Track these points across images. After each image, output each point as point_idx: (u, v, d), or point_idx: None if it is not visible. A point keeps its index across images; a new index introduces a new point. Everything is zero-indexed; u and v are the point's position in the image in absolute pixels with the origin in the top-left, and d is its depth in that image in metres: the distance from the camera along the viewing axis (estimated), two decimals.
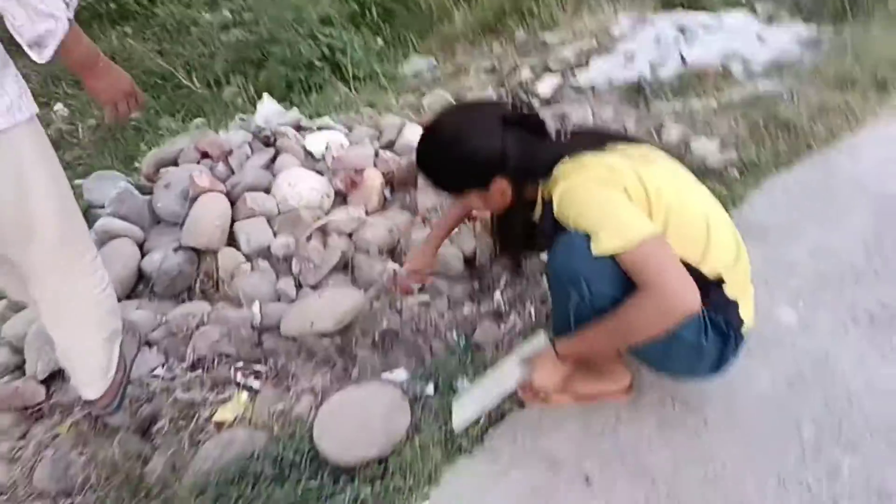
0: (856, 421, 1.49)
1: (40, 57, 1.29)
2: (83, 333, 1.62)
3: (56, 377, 2.06)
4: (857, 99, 2.56)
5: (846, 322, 1.72)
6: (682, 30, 3.82)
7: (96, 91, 1.47)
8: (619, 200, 1.24)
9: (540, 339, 1.48)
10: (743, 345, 1.42)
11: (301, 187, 2.43)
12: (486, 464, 1.49)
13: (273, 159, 2.63)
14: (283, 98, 4.26)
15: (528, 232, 1.45)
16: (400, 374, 1.79)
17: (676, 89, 3.04)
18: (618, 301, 1.24)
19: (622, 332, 1.26)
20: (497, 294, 2.17)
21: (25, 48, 1.28)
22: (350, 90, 4.31)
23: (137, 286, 2.27)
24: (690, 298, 1.18)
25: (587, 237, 1.23)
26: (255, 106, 4.02)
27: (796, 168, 2.28)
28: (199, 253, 2.27)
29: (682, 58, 3.46)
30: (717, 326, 1.35)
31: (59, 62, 1.35)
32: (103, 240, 2.31)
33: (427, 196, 2.49)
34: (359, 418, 1.59)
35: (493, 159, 1.32)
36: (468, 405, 1.51)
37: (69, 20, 1.30)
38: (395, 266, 2.27)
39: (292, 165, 2.55)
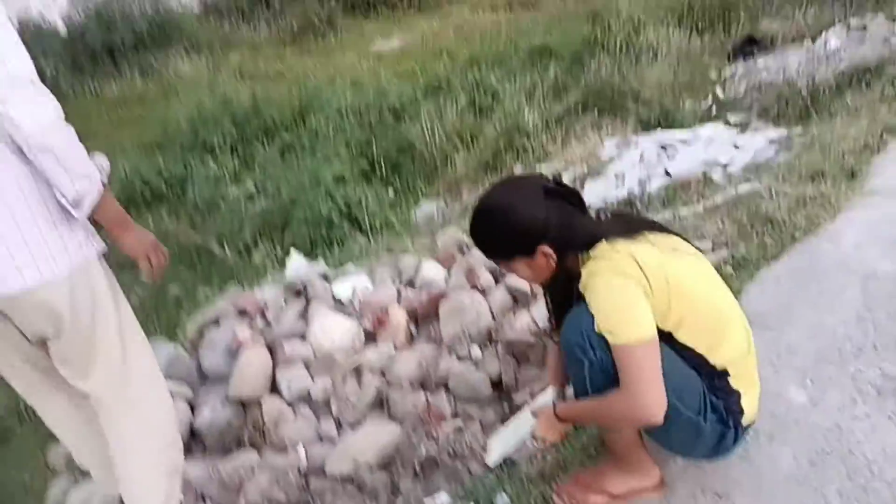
0: (879, 488, 1.56)
1: (79, 213, 1.56)
2: (144, 464, 1.76)
3: None
4: (830, 189, 2.77)
5: (854, 395, 1.82)
6: (663, 147, 4.17)
7: (128, 245, 1.70)
8: (633, 299, 1.39)
9: (548, 396, 1.64)
10: (744, 437, 1.53)
11: (333, 331, 2.64)
12: None
13: (305, 308, 2.86)
14: (309, 254, 4.58)
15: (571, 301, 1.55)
16: (441, 498, 1.89)
17: (664, 200, 3.29)
18: None
19: (600, 416, 1.50)
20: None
21: (69, 207, 1.55)
22: (368, 240, 4.64)
23: (191, 443, 2.42)
24: (653, 411, 1.35)
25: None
26: (282, 265, 4.34)
27: (784, 258, 2.45)
28: (244, 405, 2.45)
29: (667, 172, 3.76)
30: (717, 411, 1.47)
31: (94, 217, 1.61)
32: None
33: (449, 325, 2.67)
34: None
35: (537, 226, 1.47)
36: (497, 446, 1.74)
37: (102, 183, 1.58)
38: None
39: (323, 312, 2.78)
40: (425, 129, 5.69)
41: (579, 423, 1.63)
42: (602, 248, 1.47)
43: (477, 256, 3.03)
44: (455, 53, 7.73)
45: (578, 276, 1.51)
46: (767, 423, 1.79)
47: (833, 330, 2.06)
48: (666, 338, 1.45)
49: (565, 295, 1.59)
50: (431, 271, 3.09)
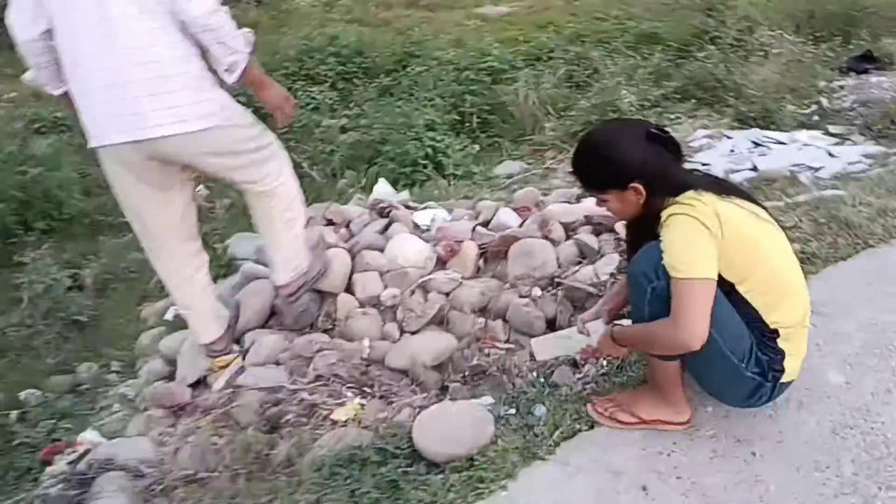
0: (892, 463, 1.67)
1: (231, 78, 2.01)
2: (295, 234, 2.42)
3: (199, 384, 2.49)
4: None
5: (889, 385, 1.92)
6: (755, 143, 4.18)
7: (267, 99, 2.20)
8: (700, 242, 1.54)
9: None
10: (779, 392, 1.67)
11: (409, 250, 2.86)
12: (556, 468, 1.76)
13: (386, 227, 3.10)
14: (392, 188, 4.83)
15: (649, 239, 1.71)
16: (486, 400, 2.10)
17: (746, 190, 3.35)
18: None
19: (648, 340, 1.67)
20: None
21: (221, 72, 2.01)
22: (448, 185, 4.85)
23: (270, 318, 2.71)
24: (692, 341, 1.51)
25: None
26: (365, 194, 4.60)
27: (852, 260, 2.52)
28: (322, 296, 2.71)
29: (754, 167, 3.79)
30: (759, 364, 1.62)
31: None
32: (247, 279, 2.80)
33: (516, 265, 2.86)
34: (451, 424, 1.90)
35: (633, 164, 1.64)
36: (544, 347, 2.18)
37: (249, 53, 1.99)
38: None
39: (402, 232, 3.01)
40: (519, 92, 5.80)
41: (631, 345, 1.82)
42: (689, 195, 1.62)
43: (552, 211, 3.18)
44: (561, 26, 7.73)
45: (659, 216, 1.68)
46: (800, 394, 1.91)
47: (884, 327, 2.14)
48: (727, 288, 1.60)
49: (646, 233, 1.75)
50: (507, 217, 3.27)
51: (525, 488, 1.71)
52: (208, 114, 1.99)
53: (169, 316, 3.01)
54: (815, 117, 4.46)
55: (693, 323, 1.52)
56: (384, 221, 3.14)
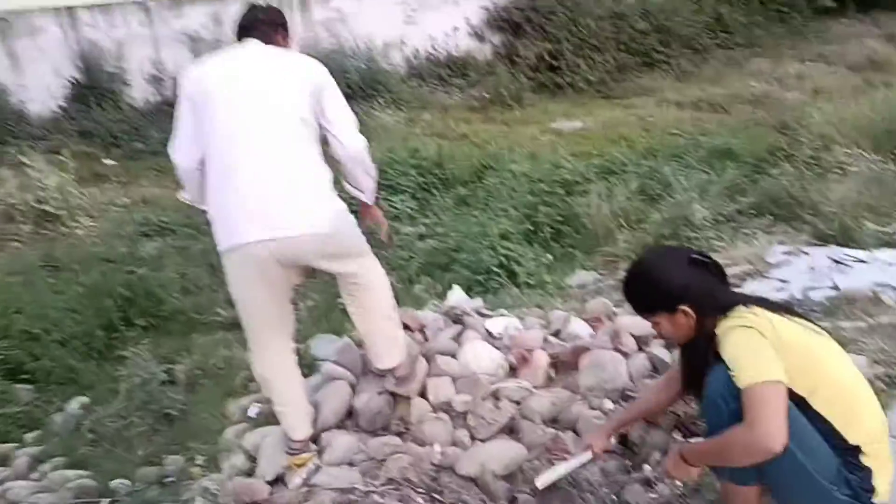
0: None
1: (369, 198, 2.72)
2: (391, 325, 2.74)
3: (277, 481, 2.59)
4: None
5: None
6: (835, 261, 4.12)
7: (375, 215, 2.86)
8: (760, 347, 1.58)
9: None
10: None
11: (481, 357, 2.96)
12: None
13: (460, 334, 3.22)
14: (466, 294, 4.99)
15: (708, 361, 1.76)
16: None
17: (827, 310, 3.30)
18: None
19: (722, 452, 1.61)
20: (647, 467, 2.43)
21: (357, 193, 2.64)
22: (521, 294, 4.96)
23: (347, 419, 2.82)
24: (772, 443, 1.48)
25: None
26: (439, 300, 4.77)
27: None
28: (396, 400, 2.81)
29: (835, 285, 3.73)
30: (850, 486, 1.58)
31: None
32: (326, 380, 2.95)
33: (588, 377, 2.89)
34: None
35: (678, 287, 1.74)
36: (548, 475, 2.24)
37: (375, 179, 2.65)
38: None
39: (475, 339, 3.11)
40: (592, 204, 5.97)
41: (702, 462, 1.79)
42: (740, 310, 1.68)
43: (624, 323, 3.23)
44: (633, 141, 7.98)
45: (715, 336, 1.73)
46: None
47: None
48: (801, 404, 1.61)
49: (701, 354, 1.80)
50: (578, 327, 3.33)
51: None
52: (334, 219, 2.33)
53: (252, 413, 3.17)
54: None
55: (769, 423, 1.49)
56: (458, 328, 3.26)
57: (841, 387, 1.64)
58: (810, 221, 4.72)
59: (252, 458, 2.74)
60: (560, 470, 2.28)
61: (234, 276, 2.38)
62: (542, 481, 2.27)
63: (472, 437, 2.69)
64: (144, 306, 4.61)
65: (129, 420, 3.39)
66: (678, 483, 2.14)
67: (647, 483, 2.29)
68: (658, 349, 2.99)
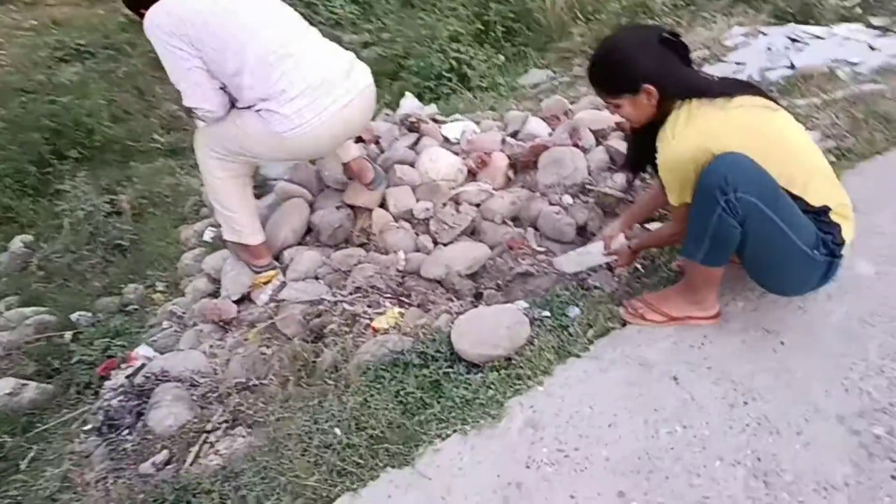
0: None
1: None
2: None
3: (243, 300, 2.60)
4: None
5: None
6: (793, 39, 4.01)
7: None
8: (688, 176, 1.64)
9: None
10: (841, 262, 1.70)
11: (440, 163, 2.88)
12: (590, 363, 1.83)
13: (416, 142, 3.11)
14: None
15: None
16: (521, 304, 2.17)
17: (782, 89, 3.26)
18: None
19: (661, 242, 2.03)
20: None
21: None
22: (474, 97, 4.78)
23: (307, 236, 2.78)
24: None
25: None
26: (392, 110, 4.57)
27: (890, 155, 2.47)
28: (356, 212, 2.77)
29: (791, 64, 3.66)
30: (826, 244, 1.64)
31: None
32: (281, 199, 2.86)
33: (547, 174, 2.86)
34: (488, 327, 1.97)
35: (645, 66, 1.67)
36: (569, 262, 2.30)
37: None
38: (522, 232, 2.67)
39: (432, 146, 3.01)
40: None
41: (646, 248, 2.09)
42: (693, 104, 1.65)
43: (582, 118, 3.15)
44: None
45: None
46: (830, 286, 1.93)
47: None
48: None
49: (654, 138, 1.77)
50: (536, 126, 3.24)
51: (560, 382, 1.79)
52: None
53: (207, 237, 3.11)
54: (858, 9, 4.24)
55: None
56: (413, 136, 3.14)
57: (800, 159, 1.66)
58: (770, 0, 4.52)
59: (215, 281, 2.73)
60: (583, 259, 2.31)
61: (304, 147, 2.38)
62: (569, 269, 2.32)
63: (435, 242, 2.70)
64: (74, 137, 4.33)
65: (79, 253, 3.31)
66: (637, 264, 2.22)
67: (609, 267, 2.36)
68: (617, 142, 2.94)
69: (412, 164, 2.94)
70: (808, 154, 1.69)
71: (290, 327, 2.36)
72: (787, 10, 4.36)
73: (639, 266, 2.26)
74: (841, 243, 1.65)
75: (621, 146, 2.92)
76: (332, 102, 2.29)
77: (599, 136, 3.05)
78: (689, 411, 1.64)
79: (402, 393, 1.85)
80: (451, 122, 3.40)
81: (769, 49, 4.01)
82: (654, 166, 1.95)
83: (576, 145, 2.99)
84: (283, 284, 2.56)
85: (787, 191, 1.61)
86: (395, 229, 2.70)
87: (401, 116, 3.32)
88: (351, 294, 2.40)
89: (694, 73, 1.74)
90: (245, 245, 2.59)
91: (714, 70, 4.01)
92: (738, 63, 3.97)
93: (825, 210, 1.64)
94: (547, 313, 2.05)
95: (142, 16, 2.25)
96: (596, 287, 2.18)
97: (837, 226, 1.65)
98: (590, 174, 2.85)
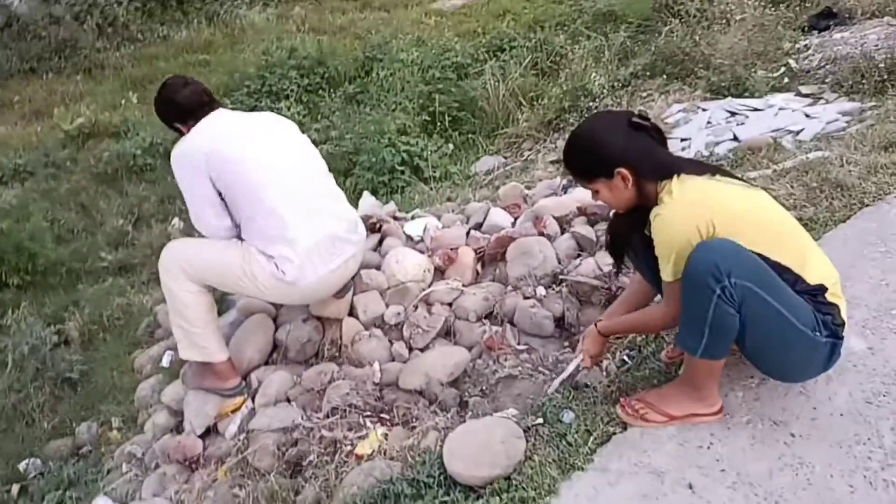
0: None
1: None
2: None
3: (210, 433, 2.40)
4: None
5: None
6: (732, 113, 4.17)
7: None
8: (684, 246, 1.58)
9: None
10: (843, 345, 1.65)
11: (406, 263, 2.79)
12: (597, 477, 1.71)
13: (380, 243, 3.03)
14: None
15: (638, 231, 1.75)
16: (511, 412, 2.04)
17: (732, 162, 3.34)
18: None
19: (638, 328, 1.96)
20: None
21: None
22: (430, 189, 4.78)
23: (272, 353, 2.63)
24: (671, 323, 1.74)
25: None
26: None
27: (852, 222, 2.51)
28: (324, 325, 2.63)
29: (735, 137, 3.78)
30: (826, 325, 1.60)
31: None
32: (244, 315, 2.71)
33: (516, 267, 2.80)
34: (481, 444, 1.83)
35: (615, 149, 1.66)
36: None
37: None
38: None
39: (397, 246, 2.94)
40: (488, 86, 5.75)
41: (617, 333, 2.03)
42: (674, 182, 1.63)
43: (544, 206, 3.14)
44: (518, 14, 7.71)
45: (655, 204, 1.66)
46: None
47: (895, 287, 2.12)
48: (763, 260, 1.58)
49: (638, 222, 1.75)
50: (499, 217, 3.22)
51: (569, 502, 1.65)
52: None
53: (165, 362, 2.91)
54: (786, 79, 4.48)
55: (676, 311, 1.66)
56: (376, 237, 3.06)
57: (789, 235, 1.66)
58: (703, 76, 4.74)
59: (177, 413, 2.53)
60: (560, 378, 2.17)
61: (305, 295, 2.46)
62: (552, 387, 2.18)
63: (410, 349, 2.58)
64: (15, 263, 4.08)
65: (25, 392, 3.04)
66: (625, 356, 2.14)
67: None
68: (582, 227, 2.93)
69: (378, 268, 2.85)
70: (798, 229, 1.69)
71: (264, 461, 2.17)
72: (721, 85, 4.57)
73: (626, 359, 2.18)
74: (841, 324, 1.61)
75: (587, 231, 2.90)
76: (339, 255, 2.40)
77: (563, 222, 3.03)
78: None
79: None
80: (412, 219, 3.35)
81: (709, 123, 4.17)
82: (635, 256, 1.92)
83: (541, 234, 2.96)
84: (253, 411, 2.38)
85: (783, 269, 1.58)
86: (367, 338, 2.58)
87: (361, 217, 3.25)
88: (328, 417, 2.24)
89: (668, 154, 1.75)
90: (210, 366, 2.42)
91: None
92: (683, 139, 4.10)
93: (822, 289, 1.60)
94: (541, 420, 1.93)
95: (175, 129, 2.44)
96: (587, 385, 2.08)
97: (836, 305, 1.62)
98: (559, 262, 2.81)
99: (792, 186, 2.87)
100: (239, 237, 2.37)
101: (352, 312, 2.66)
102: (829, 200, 2.67)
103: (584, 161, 1.76)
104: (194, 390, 2.47)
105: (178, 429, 2.48)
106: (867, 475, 1.57)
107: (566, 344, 2.57)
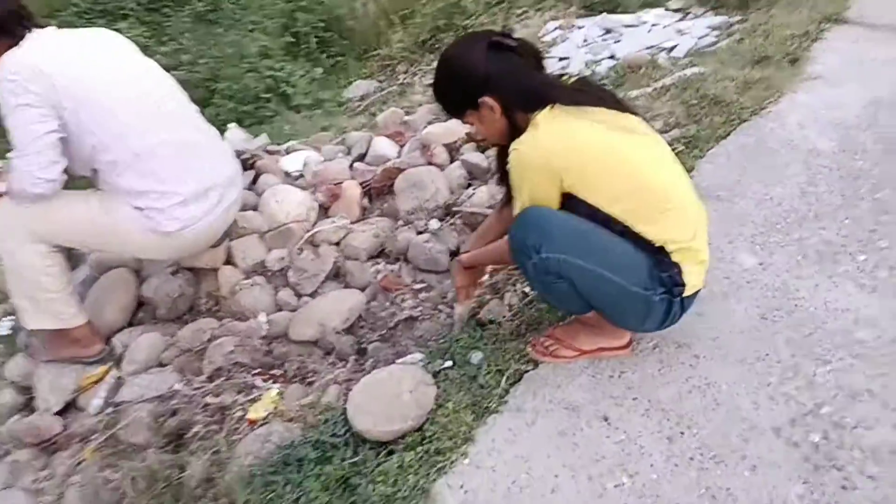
0: (821, 338, 1.72)
1: None
2: None
3: (69, 409, 2.10)
4: (774, 73, 2.87)
5: (798, 258, 1.97)
6: (607, 30, 4.14)
7: None
8: (537, 184, 1.48)
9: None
10: (688, 305, 1.60)
11: (287, 203, 2.54)
12: (513, 418, 1.64)
13: (254, 181, 2.73)
14: None
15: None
16: (415, 357, 1.92)
17: (613, 81, 3.31)
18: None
19: (497, 257, 1.76)
20: (485, 276, 2.33)
21: None
22: (301, 117, 4.43)
23: (138, 312, 2.32)
24: None
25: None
26: None
27: (732, 137, 2.56)
28: (198, 273, 2.35)
29: (613, 56, 3.76)
30: (663, 284, 1.54)
31: None
32: (98, 272, 2.36)
33: (406, 200, 2.64)
34: (389, 396, 1.70)
35: (477, 78, 1.49)
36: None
37: None
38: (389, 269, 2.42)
39: (275, 184, 2.66)
40: (356, 2, 5.36)
41: (480, 264, 1.90)
42: (543, 115, 1.48)
43: (431, 133, 2.96)
44: None
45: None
46: (722, 285, 1.92)
47: (779, 201, 2.19)
48: (599, 212, 1.50)
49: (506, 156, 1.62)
50: (383, 147, 3.01)
51: (487, 448, 1.58)
52: None
53: (4, 329, 2.50)
54: None
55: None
56: (249, 175, 2.76)
57: (647, 191, 1.50)
58: None
59: (26, 390, 2.18)
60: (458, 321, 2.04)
61: (184, 247, 2.10)
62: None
63: (299, 295, 2.37)
64: None
65: None
66: (526, 289, 2.06)
67: (496, 292, 2.18)
68: (472, 155, 2.79)
69: (255, 209, 2.57)
70: (664, 189, 1.52)
71: (139, 435, 1.92)
72: (595, 1, 4.50)
73: (527, 292, 2.11)
74: (682, 284, 1.54)
75: (478, 159, 2.77)
76: (220, 201, 2.09)
77: (452, 150, 2.88)
78: (630, 455, 1.51)
79: (303, 501, 1.53)
80: (288, 152, 3.06)
81: (585, 41, 4.12)
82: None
83: (430, 163, 2.79)
84: (120, 381, 2.09)
85: (616, 222, 1.49)
86: (248, 288, 2.33)
87: None
88: (211, 380, 2.01)
89: (540, 79, 1.56)
90: (67, 333, 2.09)
91: None
92: (561, 58, 4.03)
93: (662, 249, 1.51)
94: (450, 363, 1.83)
95: None
96: (491, 322, 1.99)
97: (677, 266, 1.52)
98: (451, 193, 2.67)
99: (672, 104, 2.88)
100: (94, 186, 2.01)
101: (228, 260, 2.39)
102: (709, 117, 2.71)
103: (448, 93, 1.59)
104: (46, 363, 2.13)
105: (28, 408, 2.14)
106: (768, 390, 1.61)
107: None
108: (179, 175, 1.99)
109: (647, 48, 3.72)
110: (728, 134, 2.58)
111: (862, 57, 2.99)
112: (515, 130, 1.54)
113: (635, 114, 1.58)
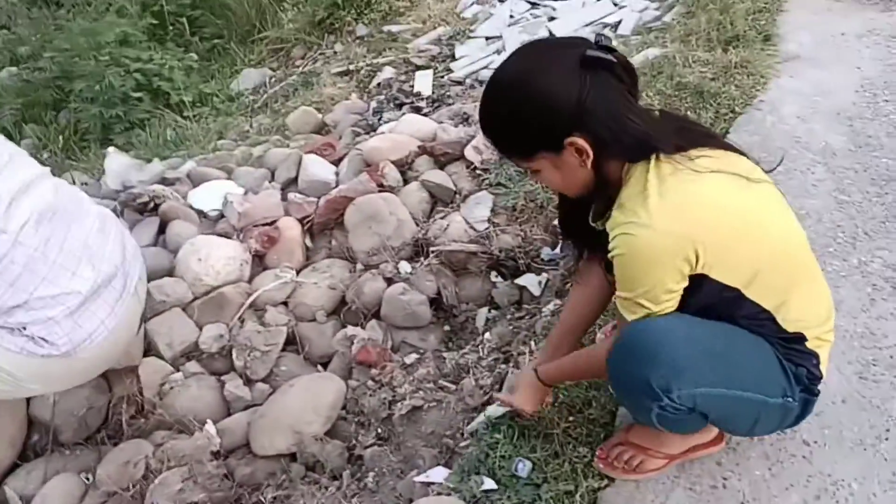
0: None
1: None
2: None
3: None
4: (750, 54, 2.61)
5: (868, 291, 1.70)
6: (533, 4, 3.75)
7: None
8: (657, 281, 1.08)
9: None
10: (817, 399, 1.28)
11: (214, 259, 1.96)
12: None
13: (161, 230, 2.10)
14: (105, 143, 3.56)
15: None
16: (437, 474, 1.48)
17: None
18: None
19: (588, 370, 1.35)
20: (486, 335, 1.91)
21: None
22: (185, 120, 3.71)
23: (30, 439, 1.68)
24: None
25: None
26: (66, 159, 3.34)
27: (732, 135, 2.24)
28: (107, 378, 1.74)
29: (550, 34, 3.38)
30: (800, 381, 1.21)
31: None
32: None
33: (363, 237, 2.14)
34: None
35: (566, 109, 1.05)
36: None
37: None
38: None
39: (189, 233, 2.05)
40: None
41: (566, 380, 1.47)
42: (650, 173, 1.08)
43: (374, 148, 2.43)
44: None
45: (617, 191, 1.11)
46: None
47: (818, 217, 1.91)
48: (733, 301, 1.13)
49: (588, 213, 1.23)
50: (317, 168, 2.44)
51: None
52: None
53: None
54: None
55: None
56: (152, 223, 2.12)
57: (784, 254, 1.16)
58: None
59: None
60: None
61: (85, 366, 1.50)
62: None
63: (249, 381, 1.83)
64: None
65: None
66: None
67: (507, 360, 1.78)
68: (432, 173, 2.32)
69: (171, 273, 1.96)
70: (791, 250, 1.19)
71: None
72: None
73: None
74: (819, 377, 1.23)
75: (440, 178, 2.30)
76: (121, 289, 1.51)
77: (404, 167, 2.38)
78: None
79: None
80: (194, 178, 2.42)
81: (513, 18, 3.71)
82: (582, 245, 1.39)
83: (381, 187, 2.29)
84: None
85: (760, 310, 1.14)
86: (182, 384, 1.77)
87: (123, 196, 2.23)
88: None
89: (642, 114, 1.12)
90: None
91: (469, 49, 3.58)
92: (489, 38, 3.60)
93: (800, 338, 1.19)
94: (491, 483, 1.40)
95: None
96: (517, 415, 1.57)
97: (815, 355, 1.21)
98: (417, 225, 2.20)
99: (647, 94, 2.55)
100: None
101: (148, 350, 1.80)
102: (695, 111, 2.39)
103: (517, 128, 1.11)
104: None
105: None
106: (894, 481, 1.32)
107: (447, 328, 2.05)
108: (65, 268, 1.40)
109: (587, 24, 3.37)
110: (726, 131, 2.28)
111: (832, 31, 2.80)
112: (602, 184, 1.12)
113: (743, 154, 1.20)
